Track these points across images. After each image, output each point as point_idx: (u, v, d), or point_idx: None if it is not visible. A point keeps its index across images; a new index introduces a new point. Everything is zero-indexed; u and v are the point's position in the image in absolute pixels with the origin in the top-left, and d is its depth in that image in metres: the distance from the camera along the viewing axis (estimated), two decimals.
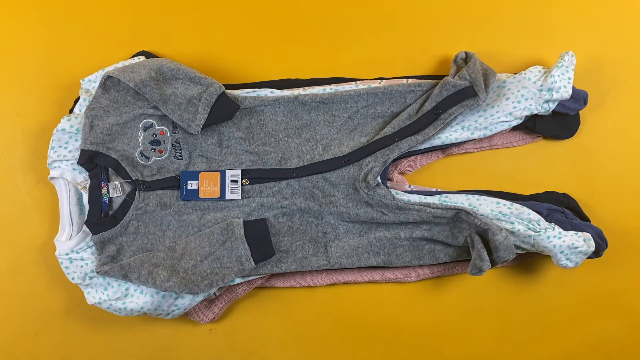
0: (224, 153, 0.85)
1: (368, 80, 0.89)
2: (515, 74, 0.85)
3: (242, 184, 0.84)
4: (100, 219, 0.82)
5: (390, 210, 0.82)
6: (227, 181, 0.84)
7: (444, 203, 0.83)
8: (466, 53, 0.85)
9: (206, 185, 0.83)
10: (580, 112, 0.87)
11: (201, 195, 0.83)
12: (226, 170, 0.84)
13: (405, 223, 0.83)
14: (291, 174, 0.84)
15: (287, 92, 0.86)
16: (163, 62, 0.81)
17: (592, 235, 0.80)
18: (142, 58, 0.86)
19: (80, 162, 0.81)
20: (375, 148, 0.83)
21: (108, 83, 0.81)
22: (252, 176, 0.84)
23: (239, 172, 0.84)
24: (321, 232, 0.85)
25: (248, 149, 0.85)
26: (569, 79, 0.81)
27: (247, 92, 0.86)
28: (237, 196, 0.83)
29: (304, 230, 0.84)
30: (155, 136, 0.83)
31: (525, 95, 0.82)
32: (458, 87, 0.81)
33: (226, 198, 0.83)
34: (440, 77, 0.87)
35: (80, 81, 0.85)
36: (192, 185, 0.83)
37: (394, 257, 0.84)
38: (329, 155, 0.84)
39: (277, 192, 0.84)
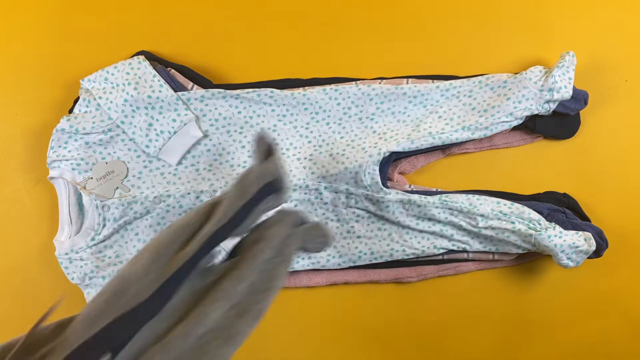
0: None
1: (368, 80, 0.89)
2: (515, 74, 0.85)
3: None
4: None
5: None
6: None
7: (445, 203, 0.83)
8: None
9: None
10: (580, 112, 0.87)
11: None
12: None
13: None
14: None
15: (287, 92, 0.86)
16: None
17: (592, 235, 0.80)
18: (142, 58, 0.86)
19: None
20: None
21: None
22: None
23: None
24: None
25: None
26: (570, 79, 0.81)
27: (247, 92, 0.86)
28: None
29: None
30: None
31: (526, 96, 0.82)
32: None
33: None
34: (440, 77, 0.87)
35: (80, 81, 0.84)
36: None
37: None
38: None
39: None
